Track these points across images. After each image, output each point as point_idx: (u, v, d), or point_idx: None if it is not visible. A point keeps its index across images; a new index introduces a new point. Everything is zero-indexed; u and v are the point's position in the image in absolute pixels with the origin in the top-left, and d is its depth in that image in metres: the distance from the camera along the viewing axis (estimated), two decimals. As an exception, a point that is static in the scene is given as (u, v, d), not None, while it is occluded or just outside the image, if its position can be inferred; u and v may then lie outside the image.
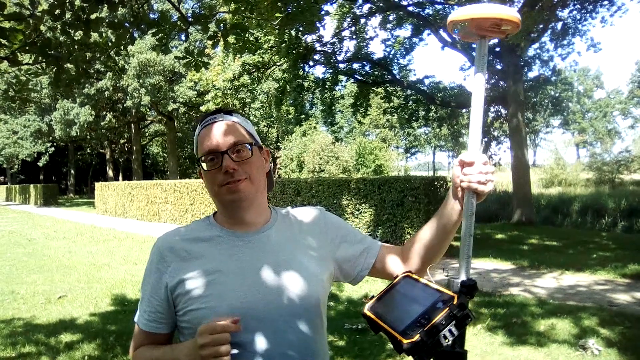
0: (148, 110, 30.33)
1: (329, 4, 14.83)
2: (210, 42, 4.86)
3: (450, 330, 0.81)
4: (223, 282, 1.11)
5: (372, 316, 0.95)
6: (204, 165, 1.18)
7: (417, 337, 0.80)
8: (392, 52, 18.24)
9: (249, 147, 1.18)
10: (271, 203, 1.30)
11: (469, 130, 1.02)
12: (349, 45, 30.73)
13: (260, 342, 1.08)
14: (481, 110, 1.00)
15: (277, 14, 4.97)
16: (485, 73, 1.01)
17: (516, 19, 0.94)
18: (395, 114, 21.09)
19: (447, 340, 0.80)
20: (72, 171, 44.80)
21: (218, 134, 1.17)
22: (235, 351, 1.03)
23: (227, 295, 1.09)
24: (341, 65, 17.27)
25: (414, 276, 0.99)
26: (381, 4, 15.33)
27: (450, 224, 1.14)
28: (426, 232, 1.18)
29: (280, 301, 1.11)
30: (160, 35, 4.20)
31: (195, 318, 1.09)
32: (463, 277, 0.93)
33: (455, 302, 0.82)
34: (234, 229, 1.20)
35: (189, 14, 4.69)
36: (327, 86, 17.15)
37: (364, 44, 17.42)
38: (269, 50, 15.89)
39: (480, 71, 1.00)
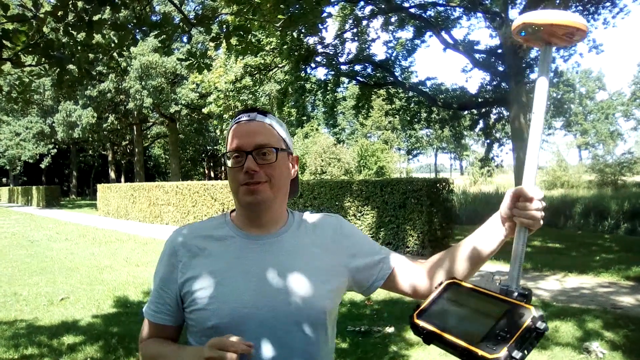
0: (150, 112, 30.40)
1: (331, 6, 14.86)
2: (212, 44, 4.86)
3: (531, 343, 0.77)
4: (229, 284, 1.10)
5: (428, 326, 0.88)
6: (228, 162, 1.17)
7: (504, 351, 0.75)
8: (394, 54, 18.25)
9: (275, 151, 1.16)
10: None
11: (527, 155, 0.96)
12: (351, 47, 30.81)
13: (261, 348, 1.07)
14: (542, 124, 0.95)
15: (280, 16, 4.97)
16: (548, 82, 0.96)
17: (587, 29, 0.91)
18: (397, 116, 21.09)
19: (526, 354, 0.76)
20: (75, 173, 44.91)
21: (247, 133, 1.16)
22: None
23: (232, 298, 1.08)
24: (343, 67, 17.28)
25: (464, 283, 0.94)
26: (383, 6, 15.34)
27: (487, 252, 1.12)
28: (459, 253, 1.15)
29: (284, 308, 1.09)
30: (162, 37, 4.20)
31: (200, 318, 1.09)
32: (515, 286, 0.91)
33: (535, 314, 0.79)
34: (248, 230, 1.19)
35: (192, 16, 4.69)
36: (329, 88, 17.17)
37: (366, 45, 17.44)
38: (271, 52, 15.91)
39: (544, 75, 0.96)
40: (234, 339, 0.97)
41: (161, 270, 1.18)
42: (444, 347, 0.84)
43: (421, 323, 0.90)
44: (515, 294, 0.87)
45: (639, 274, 7.00)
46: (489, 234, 1.10)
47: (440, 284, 0.97)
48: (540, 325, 0.78)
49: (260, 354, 1.07)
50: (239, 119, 1.20)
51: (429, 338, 0.88)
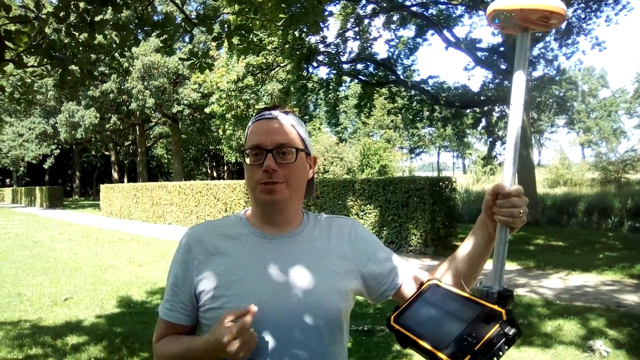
0: (152, 112, 30.44)
1: (332, 4, 14.83)
2: (214, 44, 4.86)
3: (500, 348, 0.74)
4: (246, 282, 1.10)
5: (403, 330, 0.87)
6: (247, 159, 1.17)
7: (467, 358, 0.73)
8: (396, 53, 18.22)
9: (295, 151, 1.16)
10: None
11: (505, 150, 0.94)
12: (353, 45, 30.73)
13: (275, 349, 1.07)
14: (520, 118, 0.91)
15: (281, 15, 4.97)
16: (527, 70, 0.92)
17: (564, 12, 0.87)
18: (400, 115, 21.07)
19: None
20: (77, 173, 45.03)
21: (268, 131, 1.15)
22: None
23: (249, 297, 1.08)
24: (345, 66, 17.25)
25: (443, 285, 0.92)
26: (385, 5, 15.32)
27: (479, 254, 1.09)
28: (458, 259, 1.14)
29: (300, 309, 1.09)
30: (164, 37, 4.21)
31: (215, 317, 1.07)
32: (497, 287, 0.86)
33: (505, 318, 0.76)
34: (263, 229, 1.19)
35: (193, 16, 4.69)
36: (331, 87, 17.14)
37: (368, 44, 17.40)
38: (272, 52, 15.90)
39: (522, 68, 0.92)
40: (237, 318, 1.01)
41: (176, 268, 1.18)
42: (417, 351, 0.83)
43: (397, 326, 0.89)
44: (495, 295, 0.84)
45: (643, 272, 6.98)
46: (478, 235, 1.09)
47: (420, 285, 0.95)
48: (508, 330, 0.74)
49: (277, 353, 1.07)
50: (260, 116, 1.19)
51: (404, 342, 0.86)
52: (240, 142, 23.04)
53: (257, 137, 1.15)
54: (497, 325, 0.75)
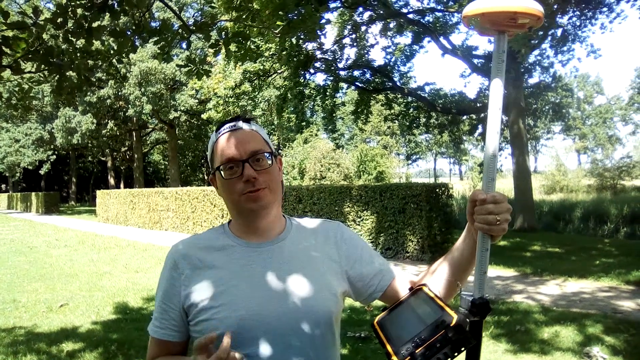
0: (149, 118, 30.41)
1: (329, 12, 14.90)
2: (211, 50, 4.88)
3: (445, 354, 0.76)
4: (234, 292, 1.10)
5: (377, 328, 0.91)
6: (222, 174, 1.16)
7: (407, 358, 0.76)
8: (393, 60, 18.30)
9: (268, 156, 1.17)
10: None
11: (484, 157, 0.93)
12: (350, 52, 30.91)
13: (269, 354, 1.06)
14: (499, 125, 0.90)
15: (278, 22, 5.00)
16: (503, 76, 0.90)
17: (534, 11, 0.84)
18: (396, 121, 21.12)
19: None
20: (74, 179, 44.85)
21: (238, 142, 1.15)
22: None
23: (238, 305, 1.08)
24: (342, 73, 17.31)
25: (426, 290, 0.94)
26: (381, 12, 15.40)
27: (466, 259, 1.09)
28: (443, 265, 1.14)
29: (291, 313, 1.09)
30: (161, 43, 4.22)
31: (206, 329, 1.07)
32: (477, 295, 0.87)
33: (452, 324, 0.78)
34: (248, 238, 1.19)
35: (191, 22, 4.71)
36: (327, 93, 17.19)
37: (365, 51, 17.47)
38: (270, 58, 15.95)
39: (498, 75, 0.89)
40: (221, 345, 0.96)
41: (163, 285, 1.18)
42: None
43: (376, 326, 0.93)
44: (469, 303, 0.85)
45: (639, 278, 7.00)
46: (464, 242, 1.09)
47: (410, 289, 0.98)
48: (453, 336, 0.76)
49: (270, 359, 1.07)
50: (224, 129, 1.19)
51: (381, 342, 0.89)
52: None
53: (228, 150, 1.15)
54: (443, 330, 0.77)
